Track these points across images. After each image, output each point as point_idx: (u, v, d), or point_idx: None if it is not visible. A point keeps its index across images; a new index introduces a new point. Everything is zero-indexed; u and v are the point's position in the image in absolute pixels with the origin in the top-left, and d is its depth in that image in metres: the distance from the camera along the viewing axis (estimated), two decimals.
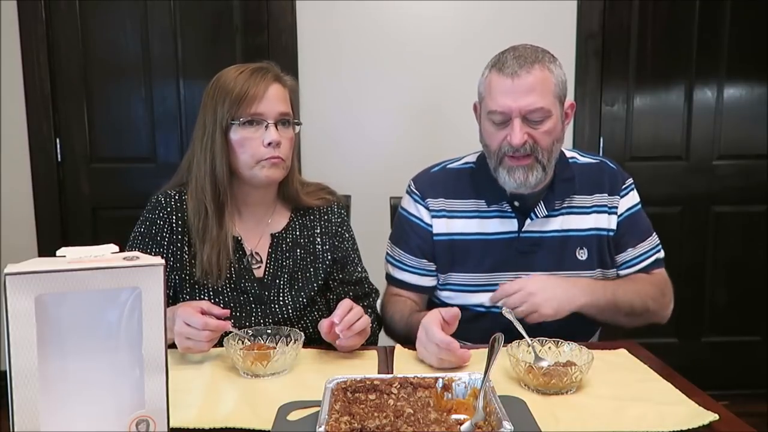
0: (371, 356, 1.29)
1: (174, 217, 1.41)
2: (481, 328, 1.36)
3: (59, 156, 2.68)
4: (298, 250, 1.46)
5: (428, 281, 1.52)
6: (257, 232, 1.46)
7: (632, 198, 1.50)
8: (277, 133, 1.36)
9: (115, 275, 0.79)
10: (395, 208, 1.64)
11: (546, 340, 1.20)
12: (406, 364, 1.23)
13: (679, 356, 1.78)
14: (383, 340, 1.51)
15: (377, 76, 2.65)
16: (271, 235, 1.46)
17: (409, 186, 1.56)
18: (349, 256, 1.52)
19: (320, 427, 0.85)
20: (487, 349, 0.99)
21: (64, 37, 2.62)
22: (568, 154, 1.51)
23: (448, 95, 2.63)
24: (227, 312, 1.26)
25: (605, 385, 1.12)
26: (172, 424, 0.87)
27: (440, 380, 1.01)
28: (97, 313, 0.81)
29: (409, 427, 0.88)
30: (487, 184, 1.46)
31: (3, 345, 0.76)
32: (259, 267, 1.43)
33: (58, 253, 0.81)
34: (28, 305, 0.75)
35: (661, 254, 1.51)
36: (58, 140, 2.67)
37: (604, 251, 1.48)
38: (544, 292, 1.31)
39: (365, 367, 1.23)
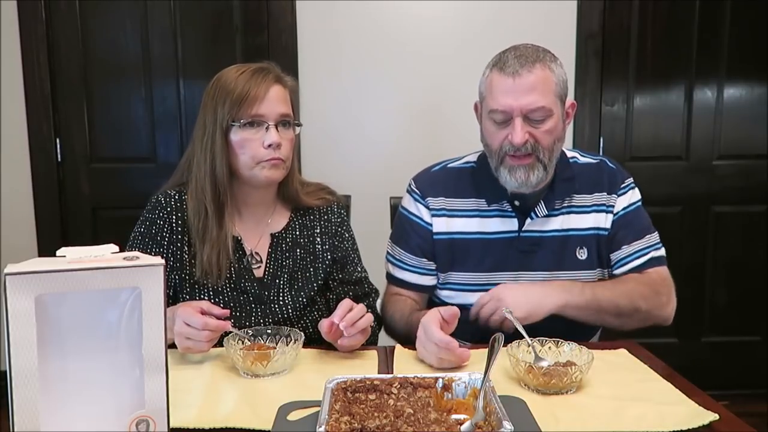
0: (371, 356, 1.28)
1: (174, 217, 1.41)
2: (481, 327, 1.35)
3: (59, 156, 2.68)
4: (298, 250, 1.46)
5: (428, 280, 1.52)
6: (257, 232, 1.46)
7: (630, 197, 1.49)
8: (277, 134, 1.35)
9: (115, 275, 0.79)
10: (395, 208, 1.64)
11: (546, 340, 1.20)
12: (406, 364, 1.23)
13: (679, 356, 1.78)
14: (383, 340, 1.51)
15: (377, 76, 2.65)
16: (271, 235, 1.46)
17: (409, 185, 1.56)
18: (349, 256, 1.52)
19: (320, 427, 0.85)
20: (487, 349, 0.99)
21: (64, 37, 2.62)
22: (569, 154, 1.51)
23: (448, 95, 2.63)
24: (227, 312, 1.26)
25: (605, 385, 1.12)
26: (172, 424, 0.87)
27: (440, 380, 1.01)
28: (97, 313, 0.81)
29: (409, 427, 0.88)
30: (487, 183, 1.46)
31: (3, 345, 0.76)
32: (259, 267, 1.43)
33: (58, 253, 0.81)
34: (28, 305, 0.75)
35: (659, 253, 1.48)
36: (58, 140, 2.67)
37: (602, 250, 1.47)
38: (514, 297, 1.31)
39: (365, 367, 1.23)
